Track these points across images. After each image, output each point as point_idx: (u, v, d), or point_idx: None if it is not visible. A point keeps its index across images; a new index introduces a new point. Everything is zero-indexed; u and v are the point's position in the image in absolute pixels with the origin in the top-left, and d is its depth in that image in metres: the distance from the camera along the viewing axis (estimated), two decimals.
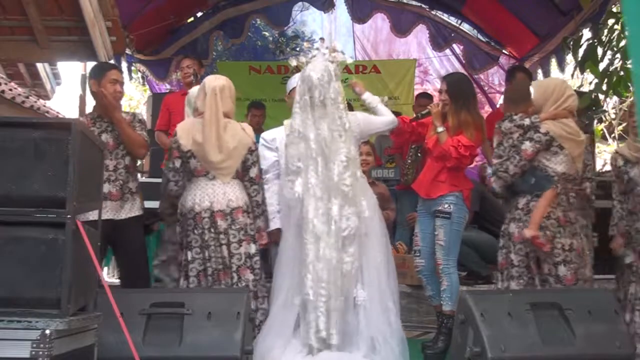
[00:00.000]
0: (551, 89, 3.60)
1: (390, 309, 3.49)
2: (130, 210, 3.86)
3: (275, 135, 3.99)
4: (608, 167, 5.09)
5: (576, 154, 3.51)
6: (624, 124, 7.81)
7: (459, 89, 3.86)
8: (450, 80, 3.95)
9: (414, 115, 4.19)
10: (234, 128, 3.58)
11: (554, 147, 3.48)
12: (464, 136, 3.72)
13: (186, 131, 3.57)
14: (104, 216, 3.83)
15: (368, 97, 3.85)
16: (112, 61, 4.50)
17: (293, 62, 3.75)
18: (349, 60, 3.97)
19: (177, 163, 3.58)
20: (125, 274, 3.98)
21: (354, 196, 3.46)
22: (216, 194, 3.50)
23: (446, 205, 3.74)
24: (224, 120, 3.54)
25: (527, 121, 3.53)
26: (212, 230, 3.46)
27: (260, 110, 6.37)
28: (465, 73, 7.91)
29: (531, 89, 3.69)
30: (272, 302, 3.52)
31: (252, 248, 3.54)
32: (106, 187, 3.73)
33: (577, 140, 3.52)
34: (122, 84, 3.93)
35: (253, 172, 3.62)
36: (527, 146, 3.47)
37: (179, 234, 3.60)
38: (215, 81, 3.62)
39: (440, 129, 3.78)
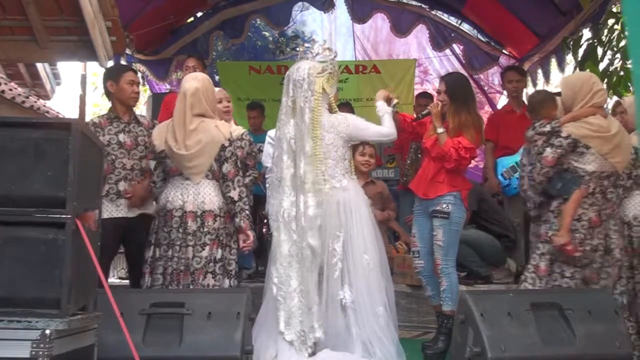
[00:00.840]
0: (579, 87, 3.56)
1: (380, 314, 3.49)
2: (144, 206, 4.00)
3: (273, 135, 4.05)
4: None
5: (606, 150, 3.46)
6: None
7: (458, 89, 3.85)
8: (449, 80, 3.94)
9: (415, 116, 4.19)
10: (205, 127, 3.51)
11: (580, 148, 3.47)
12: (465, 138, 3.71)
13: (160, 132, 3.59)
14: (119, 214, 3.93)
15: (379, 105, 3.90)
16: (111, 61, 4.52)
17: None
18: (331, 56, 3.91)
19: (151, 164, 3.63)
20: (136, 272, 3.99)
21: (318, 190, 3.53)
22: (189, 194, 3.47)
23: (444, 205, 3.73)
24: (195, 121, 3.49)
25: (547, 127, 3.54)
26: (181, 230, 3.44)
27: (256, 111, 6.35)
28: (466, 73, 7.95)
29: (559, 88, 3.70)
30: (263, 299, 3.55)
31: (219, 253, 3.46)
32: (122, 185, 3.92)
33: (605, 136, 3.47)
34: (138, 84, 4.10)
35: (225, 168, 3.51)
36: (548, 152, 3.49)
37: (152, 231, 3.58)
38: (187, 83, 3.59)
39: (440, 130, 3.77)
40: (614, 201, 3.53)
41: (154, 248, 3.51)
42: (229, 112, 4.31)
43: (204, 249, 3.42)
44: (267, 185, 4.03)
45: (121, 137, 3.96)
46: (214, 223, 3.45)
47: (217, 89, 4.33)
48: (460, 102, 3.79)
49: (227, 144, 3.53)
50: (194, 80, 3.59)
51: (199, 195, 3.46)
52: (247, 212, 3.55)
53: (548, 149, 3.49)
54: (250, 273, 5.05)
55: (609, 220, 3.48)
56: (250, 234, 3.55)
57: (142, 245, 3.81)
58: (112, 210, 3.92)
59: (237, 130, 4.25)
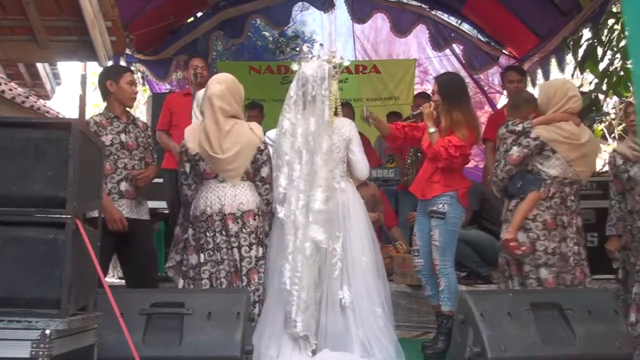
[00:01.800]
0: (552, 92, 3.61)
1: (379, 315, 3.50)
2: (142, 210, 3.99)
3: (271, 135, 4.10)
4: (607, 168, 5.08)
5: (572, 157, 3.50)
6: (624, 124, 7.81)
7: (450, 88, 3.86)
8: (442, 81, 3.97)
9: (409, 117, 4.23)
10: (240, 129, 3.53)
11: (546, 151, 3.52)
12: (455, 136, 3.71)
13: (193, 135, 3.57)
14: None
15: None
16: (111, 62, 4.53)
17: (295, 67, 3.79)
18: (346, 63, 4.03)
19: (186, 167, 3.61)
20: (133, 274, 4.01)
21: (333, 189, 3.56)
22: (226, 197, 3.48)
23: (440, 206, 3.74)
24: (229, 123, 3.51)
25: (519, 127, 3.61)
26: (224, 233, 3.46)
27: (255, 111, 6.34)
28: (466, 73, 7.95)
29: (537, 92, 3.72)
30: (265, 297, 3.54)
31: (260, 251, 3.52)
32: (124, 186, 3.89)
33: (574, 143, 3.51)
34: (136, 85, 4.11)
35: (264, 172, 3.57)
36: (514, 151, 3.56)
37: (191, 236, 3.58)
38: (212, 86, 3.58)
39: (431, 130, 3.79)
40: (574, 210, 3.54)
41: (199, 253, 3.50)
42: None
43: (251, 249, 3.47)
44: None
45: (122, 137, 3.93)
46: (254, 221, 3.49)
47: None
48: (453, 101, 3.80)
49: (262, 146, 3.58)
50: (219, 84, 3.59)
51: (237, 197, 3.49)
52: None
53: (515, 148, 3.56)
54: None
55: (567, 227, 3.49)
56: None
57: (145, 247, 3.80)
58: None
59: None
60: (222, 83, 3.60)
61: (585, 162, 3.55)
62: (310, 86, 3.60)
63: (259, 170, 3.57)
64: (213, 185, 3.52)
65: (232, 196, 3.48)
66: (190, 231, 3.59)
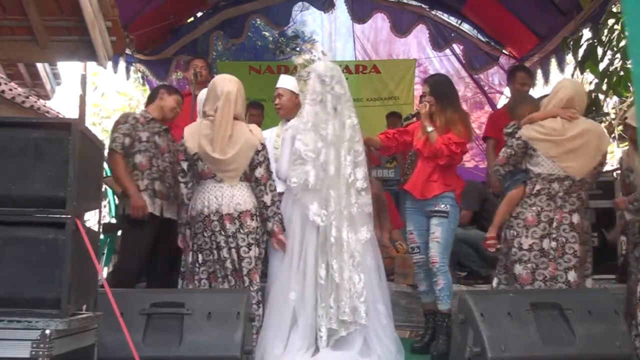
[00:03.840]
0: (550, 93, 3.73)
1: (380, 311, 3.53)
2: (174, 210, 4.08)
3: (266, 135, 4.12)
4: (608, 167, 5.08)
5: (554, 154, 3.50)
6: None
7: (441, 88, 3.97)
8: (432, 82, 4.07)
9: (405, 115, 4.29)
10: (240, 130, 3.54)
11: (529, 150, 3.58)
12: (453, 133, 3.79)
13: (192, 134, 3.56)
14: (155, 212, 4.03)
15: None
16: (111, 62, 4.58)
17: (299, 60, 3.80)
18: (338, 58, 4.14)
19: (184, 165, 3.60)
20: (158, 273, 4.14)
21: (366, 189, 3.66)
22: (224, 197, 3.47)
23: (443, 206, 3.79)
24: (231, 123, 3.51)
25: (511, 129, 3.72)
26: (222, 233, 3.45)
27: (257, 110, 6.34)
28: (466, 73, 7.95)
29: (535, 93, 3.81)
30: (268, 299, 3.54)
31: (258, 251, 3.52)
32: (157, 185, 4.06)
33: (555, 139, 3.51)
34: (181, 107, 4.37)
35: (259, 173, 3.55)
36: (501, 152, 3.69)
37: (188, 236, 3.59)
38: (228, 85, 3.58)
39: (429, 129, 3.85)
40: (566, 207, 3.51)
41: (197, 254, 3.51)
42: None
43: (250, 249, 3.46)
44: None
45: (156, 139, 4.15)
46: (252, 222, 3.48)
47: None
48: (445, 101, 3.89)
49: (260, 147, 3.57)
50: (231, 83, 3.61)
51: (234, 197, 3.47)
52: (280, 216, 3.58)
53: (503, 149, 3.68)
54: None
55: (558, 224, 3.48)
56: (282, 238, 3.57)
57: (174, 248, 3.82)
58: (149, 205, 4.01)
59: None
60: (233, 82, 3.62)
61: (572, 157, 3.50)
62: (338, 85, 3.71)
63: (253, 171, 3.55)
64: (210, 186, 3.51)
65: (230, 196, 3.47)
66: (188, 232, 3.59)
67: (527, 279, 3.45)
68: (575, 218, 3.52)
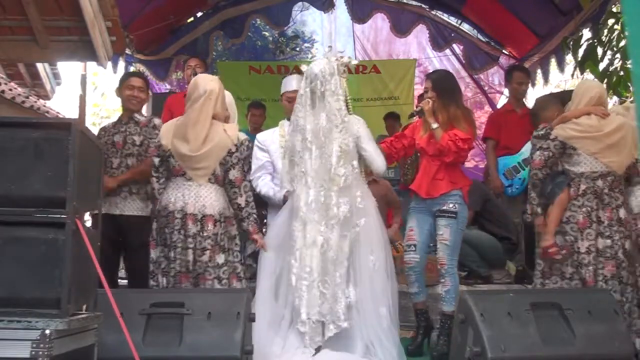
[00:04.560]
0: (575, 93, 3.69)
1: (383, 315, 3.48)
2: (134, 207, 4.14)
3: (267, 136, 4.13)
4: None
5: (595, 150, 3.48)
6: None
7: (444, 84, 3.89)
8: (434, 78, 4.00)
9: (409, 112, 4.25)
10: (214, 129, 3.50)
11: (568, 150, 3.52)
12: (459, 130, 3.72)
13: (167, 131, 3.58)
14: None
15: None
16: (111, 62, 4.59)
17: (304, 67, 3.78)
18: (355, 62, 4.08)
19: (156, 161, 3.62)
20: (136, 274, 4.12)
21: (348, 186, 3.52)
22: (190, 196, 3.44)
23: (451, 205, 3.73)
24: (209, 122, 3.49)
25: (542, 131, 3.63)
26: (182, 232, 3.41)
27: (260, 110, 6.35)
28: (466, 73, 7.94)
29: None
30: (257, 296, 3.51)
31: (221, 258, 3.45)
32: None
33: (594, 135, 3.49)
34: (139, 89, 4.30)
35: (232, 175, 3.50)
36: (536, 156, 3.60)
37: (154, 230, 3.56)
38: (210, 84, 3.57)
39: (434, 126, 3.77)
40: (613, 204, 3.49)
41: (159, 248, 3.50)
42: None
43: (204, 254, 3.41)
44: (257, 184, 4.07)
45: (116, 137, 4.19)
46: (214, 228, 3.43)
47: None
48: (448, 97, 3.81)
49: (234, 149, 3.52)
50: (213, 82, 3.61)
51: (200, 198, 3.44)
52: (255, 216, 3.57)
53: (537, 152, 3.60)
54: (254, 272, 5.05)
55: (609, 222, 3.46)
56: (257, 237, 3.56)
57: (139, 247, 3.83)
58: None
59: (240, 135, 4.28)
60: (215, 82, 3.61)
61: (614, 152, 3.50)
62: (319, 82, 3.57)
63: (227, 173, 3.51)
64: (179, 183, 3.49)
65: (196, 196, 3.44)
66: (154, 225, 3.57)
67: (592, 281, 3.43)
68: (622, 213, 3.51)
